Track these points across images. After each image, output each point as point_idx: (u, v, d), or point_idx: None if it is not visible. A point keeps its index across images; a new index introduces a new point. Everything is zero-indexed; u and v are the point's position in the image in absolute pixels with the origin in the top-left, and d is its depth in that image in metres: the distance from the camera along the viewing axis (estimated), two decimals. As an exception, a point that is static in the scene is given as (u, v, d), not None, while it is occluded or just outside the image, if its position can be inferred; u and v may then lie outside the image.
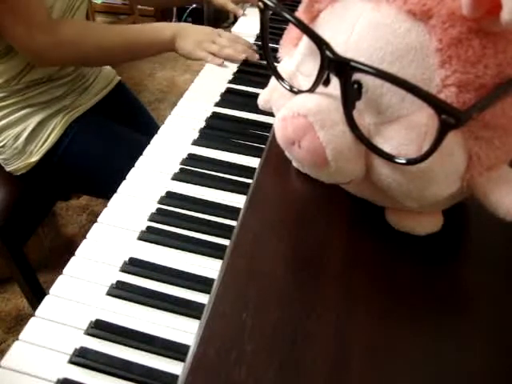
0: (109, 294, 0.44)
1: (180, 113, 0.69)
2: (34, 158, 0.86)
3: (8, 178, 0.89)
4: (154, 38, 0.82)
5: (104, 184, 0.74)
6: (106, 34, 0.81)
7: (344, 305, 0.33)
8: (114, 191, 0.55)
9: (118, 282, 0.45)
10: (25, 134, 0.85)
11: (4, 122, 0.84)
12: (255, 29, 0.93)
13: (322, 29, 0.35)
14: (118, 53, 0.83)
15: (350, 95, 0.31)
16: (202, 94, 0.73)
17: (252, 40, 0.90)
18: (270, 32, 0.37)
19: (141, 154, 0.61)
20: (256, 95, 0.45)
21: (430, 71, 0.30)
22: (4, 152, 0.86)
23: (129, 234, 0.50)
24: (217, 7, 1.01)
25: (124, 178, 0.57)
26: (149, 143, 0.63)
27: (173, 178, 0.57)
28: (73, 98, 0.92)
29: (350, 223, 0.39)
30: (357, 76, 0.30)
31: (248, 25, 0.97)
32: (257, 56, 0.83)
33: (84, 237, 0.49)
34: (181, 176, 0.58)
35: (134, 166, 0.59)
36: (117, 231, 0.50)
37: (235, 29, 0.95)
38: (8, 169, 0.89)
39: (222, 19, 2.49)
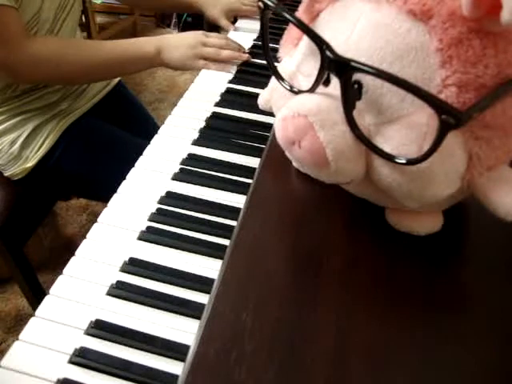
0: (109, 293, 0.44)
1: (180, 113, 0.69)
2: (30, 163, 0.86)
3: (7, 182, 0.89)
4: (137, 54, 0.79)
5: (101, 188, 0.73)
6: (86, 53, 0.78)
7: (344, 305, 0.33)
8: (112, 194, 0.55)
9: (117, 282, 0.45)
10: (20, 140, 0.84)
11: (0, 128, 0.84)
12: (250, 37, 0.92)
13: (322, 29, 0.35)
14: (99, 71, 0.80)
15: (350, 95, 0.31)
16: (202, 94, 0.73)
17: (251, 41, 0.90)
18: (270, 32, 0.37)
19: (140, 155, 0.61)
20: (256, 95, 0.45)
21: (431, 71, 0.30)
22: (0, 158, 0.86)
23: (129, 233, 0.50)
24: (210, 21, 0.98)
25: (124, 179, 0.57)
26: (149, 143, 0.63)
27: (173, 178, 0.57)
28: (69, 102, 0.91)
29: (350, 223, 0.39)
30: (357, 76, 0.30)
31: (244, 29, 0.97)
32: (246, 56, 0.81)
33: (84, 237, 0.49)
34: (181, 176, 0.57)
35: (133, 166, 0.59)
36: (117, 231, 0.50)
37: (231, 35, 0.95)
38: (5, 174, 0.88)
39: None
